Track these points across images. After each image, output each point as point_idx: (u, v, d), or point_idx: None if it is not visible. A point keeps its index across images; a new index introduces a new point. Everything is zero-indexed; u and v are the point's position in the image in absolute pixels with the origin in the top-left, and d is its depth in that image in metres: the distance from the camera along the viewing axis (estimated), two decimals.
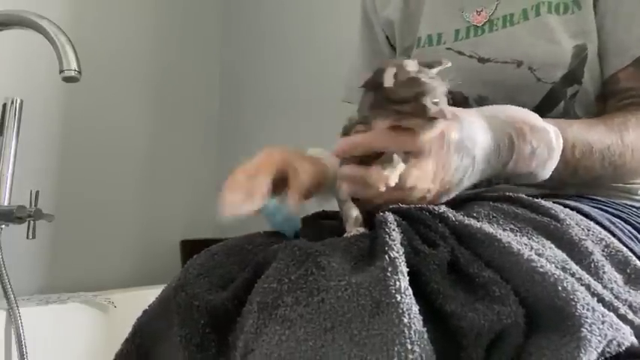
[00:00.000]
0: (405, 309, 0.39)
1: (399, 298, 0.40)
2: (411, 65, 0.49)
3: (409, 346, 0.38)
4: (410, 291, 0.41)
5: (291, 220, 0.59)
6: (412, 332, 0.38)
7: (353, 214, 0.54)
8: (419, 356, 0.38)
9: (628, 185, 0.74)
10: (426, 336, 0.39)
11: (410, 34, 0.86)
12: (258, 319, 0.43)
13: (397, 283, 0.40)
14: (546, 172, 0.61)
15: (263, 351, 0.41)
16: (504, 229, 0.50)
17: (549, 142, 0.59)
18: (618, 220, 0.63)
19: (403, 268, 0.42)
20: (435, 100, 0.48)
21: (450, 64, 0.52)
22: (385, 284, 0.40)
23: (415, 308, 0.40)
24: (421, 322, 0.39)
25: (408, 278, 0.42)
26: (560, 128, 0.62)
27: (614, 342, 0.41)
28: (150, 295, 0.59)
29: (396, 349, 0.37)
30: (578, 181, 0.70)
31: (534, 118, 0.59)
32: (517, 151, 0.58)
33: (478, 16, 0.78)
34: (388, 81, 0.48)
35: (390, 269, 0.41)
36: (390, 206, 0.52)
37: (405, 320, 0.39)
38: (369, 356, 0.37)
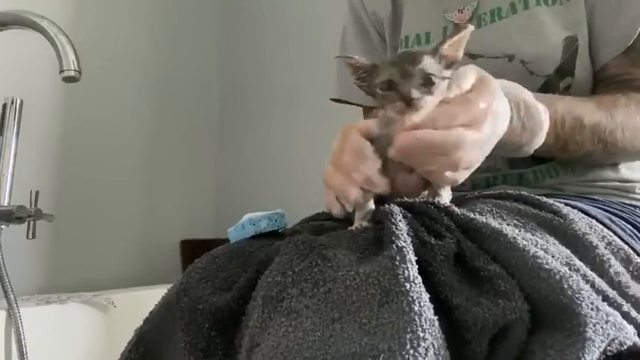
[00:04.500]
0: (415, 297, 0.39)
1: (408, 286, 0.39)
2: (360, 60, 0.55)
3: (421, 334, 0.37)
4: (419, 279, 0.41)
5: (277, 219, 0.59)
6: (423, 320, 0.38)
7: (368, 206, 0.54)
8: (430, 344, 0.37)
9: (626, 184, 0.74)
10: (437, 324, 0.39)
11: (398, 33, 0.86)
12: (263, 312, 0.42)
13: (406, 271, 0.40)
14: (532, 148, 0.61)
15: (269, 343, 0.40)
16: (508, 225, 0.50)
17: (539, 121, 0.59)
18: (618, 219, 0.63)
19: (412, 257, 0.42)
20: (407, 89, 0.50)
21: (471, 28, 0.53)
22: (394, 273, 0.40)
23: (425, 296, 0.40)
24: (432, 311, 0.39)
25: (416, 267, 0.41)
26: (550, 102, 0.62)
27: (617, 341, 0.41)
28: (150, 295, 0.59)
29: (407, 336, 0.37)
30: (568, 156, 0.70)
31: (526, 93, 0.59)
32: (512, 125, 0.57)
33: (460, 15, 0.78)
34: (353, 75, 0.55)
35: (398, 258, 0.41)
36: (395, 200, 0.52)
37: (416, 308, 0.38)
38: (380, 345, 0.37)
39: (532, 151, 0.61)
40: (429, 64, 0.51)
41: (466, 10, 0.77)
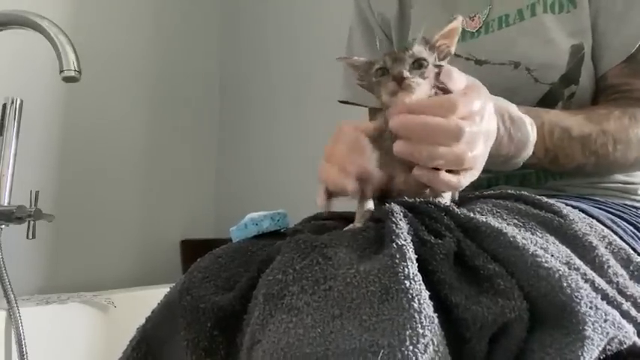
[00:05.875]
0: (414, 294, 0.39)
1: (408, 284, 0.40)
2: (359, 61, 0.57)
3: (420, 331, 0.38)
4: (419, 277, 0.41)
5: (280, 219, 0.59)
6: (423, 317, 0.38)
7: (367, 206, 0.54)
8: (430, 341, 0.38)
9: (628, 185, 0.74)
10: (436, 321, 0.39)
11: (405, 34, 0.86)
12: (264, 310, 0.43)
13: (406, 269, 0.40)
14: (520, 160, 0.61)
15: (270, 340, 0.40)
16: (508, 224, 0.50)
17: (526, 132, 0.59)
18: (620, 220, 0.63)
19: (412, 255, 0.42)
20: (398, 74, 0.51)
21: (460, 19, 0.54)
22: (394, 271, 0.40)
23: (425, 294, 0.40)
24: (431, 308, 0.39)
25: (416, 265, 0.42)
26: (536, 115, 0.62)
27: (616, 340, 0.41)
28: (150, 295, 0.58)
29: (407, 333, 0.37)
30: (560, 169, 0.70)
31: (511, 106, 0.59)
32: (499, 135, 0.57)
33: (472, 22, 0.78)
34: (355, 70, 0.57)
35: (398, 256, 0.41)
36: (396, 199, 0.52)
37: (415, 305, 0.38)
38: (380, 341, 0.37)
39: (521, 164, 0.61)
40: (419, 50, 0.52)
41: (477, 17, 0.77)
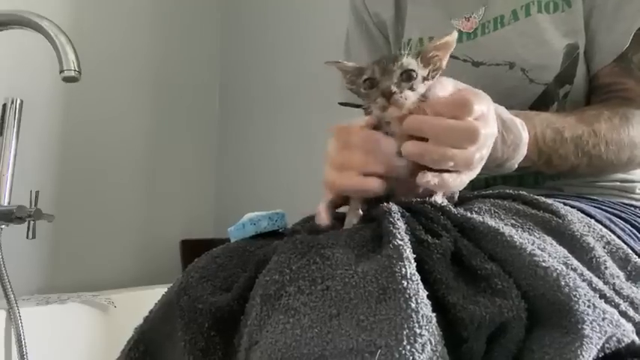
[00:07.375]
0: (412, 294, 0.39)
1: (405, 283, 0.40)
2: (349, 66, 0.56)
3: (417, 330, 0.38)
4: (417, 277, 0.41)
5: (278, 219, 0.59)
6: (420, 317, 0.38)
7: (356, 212, 0.54)
8: (428, 340, 0.38)
9: (626, 184, 0.75)
10: (434, 321, 0.39)
11: (402, 34, 0.86)
12: (261, 311, 0.43)
13: (403, 269, 0.40)
14: (515, 163, 0.60)
15: (268, 341, 0.40)
16: (506, 224, 0.50)
17: (518, 132, 0.58)
18: (618, 219, 0.63)
19: (409, 255, 0.42)
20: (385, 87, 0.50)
21: (456, 34, 0.53)
22: (391, 271, 0.40)
23: (423, 294, 0.40)
24: (429, 308, 0.39)
25: (414, 265, 0.42)
26: (526, 117, 0.62)
27: (614, 338, 0.41)
28: (150, 295, 0.58)
29: (404, 333, 0.37)
30: (554, 171, 0.69)
31: (501, 109, 0.58)
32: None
33: (467, 23, 0.78)
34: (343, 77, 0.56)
35: (395, 256, 0.41)
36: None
37: (413, 305, 0.39)
38: (377, 341, 0.37)
39: (515, 167, 0.61)
40: (409, 61, 0.51)
41: (473, 18, 0.77)
